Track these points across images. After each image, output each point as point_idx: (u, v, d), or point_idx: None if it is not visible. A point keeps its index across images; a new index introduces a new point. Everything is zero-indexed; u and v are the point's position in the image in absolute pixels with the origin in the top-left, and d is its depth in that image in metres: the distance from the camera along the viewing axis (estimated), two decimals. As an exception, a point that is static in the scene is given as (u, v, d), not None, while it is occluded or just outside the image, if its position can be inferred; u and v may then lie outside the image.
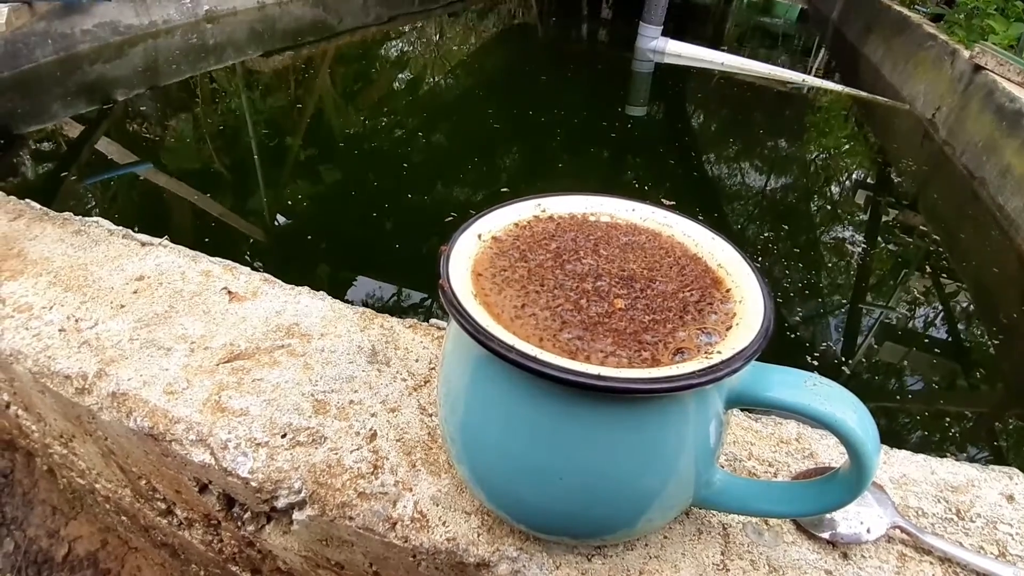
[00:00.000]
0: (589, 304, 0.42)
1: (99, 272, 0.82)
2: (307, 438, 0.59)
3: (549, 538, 0.51)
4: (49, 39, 3.00)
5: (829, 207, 3.05)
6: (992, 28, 3.90)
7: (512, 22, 5.90)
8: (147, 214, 2.22)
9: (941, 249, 2.61)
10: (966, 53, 3.71)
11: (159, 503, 0.78)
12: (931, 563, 0.55)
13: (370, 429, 0.61)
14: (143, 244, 0.87)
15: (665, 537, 0.54)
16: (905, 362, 1.95)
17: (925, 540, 0.56)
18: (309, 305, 0.77)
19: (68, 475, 0.94)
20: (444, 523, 0.54)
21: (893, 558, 0.55)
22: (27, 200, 1.00)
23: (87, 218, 0.94)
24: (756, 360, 0.41)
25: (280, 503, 0.57)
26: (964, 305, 2.30)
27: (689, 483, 0.46)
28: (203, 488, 0.66)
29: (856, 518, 0.56)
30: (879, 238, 2.78)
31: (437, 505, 0.55)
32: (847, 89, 4.42)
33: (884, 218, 2.93)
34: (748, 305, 0.42)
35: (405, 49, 4.69)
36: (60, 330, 0.72)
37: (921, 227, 2.81)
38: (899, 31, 4.89)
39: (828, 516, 0.56)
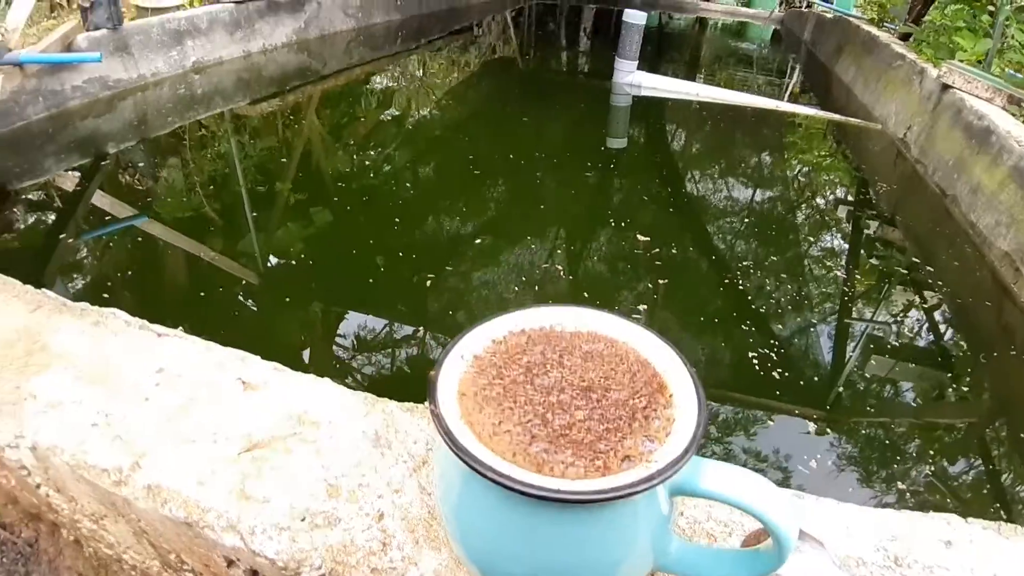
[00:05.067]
0: (554, 417, 0.51)
1: (121, 364, 0.90)
2: (323, 521, 0.68)
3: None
4: (40, 96, 3.09)
5: (807, 229, 3.15)
6: (960, 45, 4.00)
7: (492, 56, 6.03)
8: (143, 268, 2.27)
9: (906, 270, 2.70)
10: (934, 72, 3.80)
11: (187, 573, 0.86)
12: (869, 607, 0.64)
13: (378, 510, 0.69)
14: (159, 335, 0.96)
15: (634, 598, 0.62)
16: (874, 386, 2.04)
17: (861, 587, 0.65)
18: (315, 391, 0.85)
19: (95, 545, 1.02)
20: (445, 594, 0.62)
21: (835, 604, 0.64)
22: (43, 289, 1.09)
23: (104, 309, 1.03)
24: (697, 455, 0.50)
25: (302, 578, 0.66)
26: (942, 323, 2.39)
27: (648, 556, 0.54)
28: (231, 563, 0.74)
29: (799, 572, 0.65)
30: (861, 254, 2.89)
31: (438, 578, 0.64)
32: (820, 113, 4.53)
33: (865, 232, 3.04)
34: (685, 412, 0.51)
35: (390, 85, 4.81)
36: (93, 424, 0.80)
37: (898, 245, 2.91)
38: (868, 51, 5.02)
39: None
